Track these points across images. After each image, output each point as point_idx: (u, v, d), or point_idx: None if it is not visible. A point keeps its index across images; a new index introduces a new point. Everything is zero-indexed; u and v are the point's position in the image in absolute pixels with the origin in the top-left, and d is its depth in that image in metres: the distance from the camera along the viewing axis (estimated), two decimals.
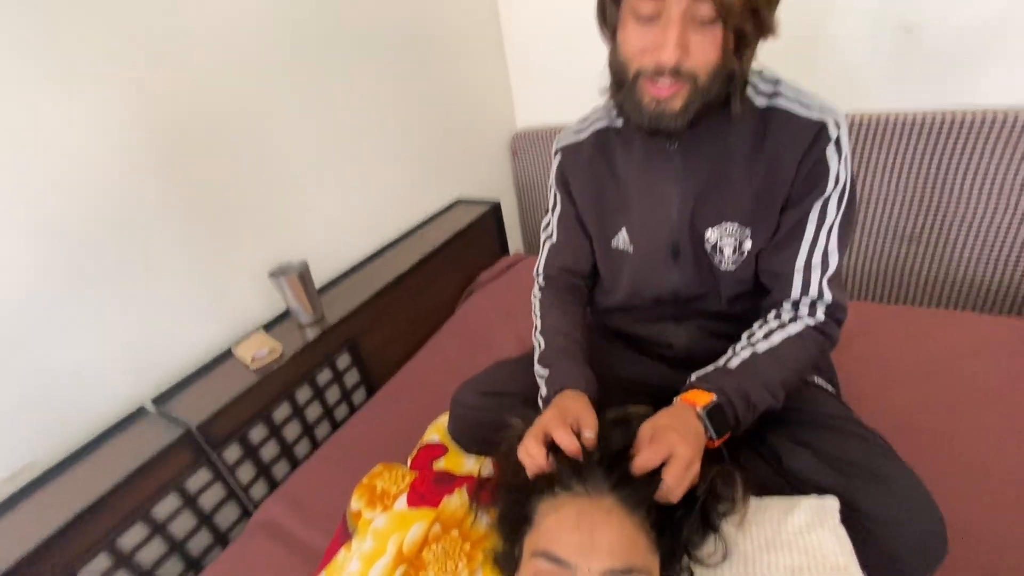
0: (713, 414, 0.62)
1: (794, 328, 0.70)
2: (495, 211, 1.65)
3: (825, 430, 0.70)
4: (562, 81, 1.60)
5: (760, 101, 0.69)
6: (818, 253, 0.70)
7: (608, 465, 0.54)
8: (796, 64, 1.33)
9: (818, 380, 0.81)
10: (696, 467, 0.56)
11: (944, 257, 1.36)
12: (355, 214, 1.36)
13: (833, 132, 0.66)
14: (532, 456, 0.58)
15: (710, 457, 0.60)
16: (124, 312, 0.93)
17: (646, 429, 0.59)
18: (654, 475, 0.54)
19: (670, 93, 0.61)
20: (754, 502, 0.62)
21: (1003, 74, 1.17)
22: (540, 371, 0.77)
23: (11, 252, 0.79)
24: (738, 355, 0.69)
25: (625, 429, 0.60)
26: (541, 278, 0.91)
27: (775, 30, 0.61)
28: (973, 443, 0.83)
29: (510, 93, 1.87)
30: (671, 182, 0.73)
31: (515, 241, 2.00)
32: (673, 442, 0.56)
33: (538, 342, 0.82)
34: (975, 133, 1.19)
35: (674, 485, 0.54)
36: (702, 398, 0.63)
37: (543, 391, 0.75)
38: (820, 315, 0.71)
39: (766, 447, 0.72)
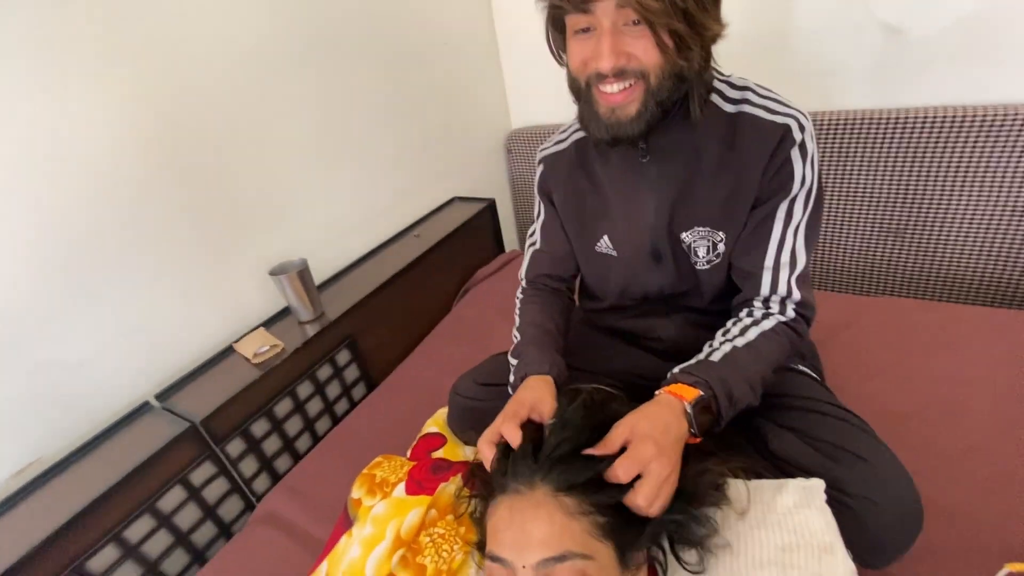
0: (698, 409, 0.62)
1: (767, 324, 0.72)
2: (491, 209, 1.67)
3: (810, 414, 0.73)
4: (556, 81, 1.63)
5: (729, 108, 0.71)
6: (786, 252, 0.72)
7: (534, 457, 0.54)
8: (775, 60, 1.37)
9: (802, 367, 0.83)
10: (672, 481, 0.55)
11: (927, 251, 1.39)
12: (353, 212, 1.38)
13: (797, 135, 0.68)
14: (485, 458, 0.60)
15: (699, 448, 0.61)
16: (129, 309, 0.95)
17: (621, 430, 0.57)
18: (600, 461, 0.54)
19: (623, 99, 0.64)
20: (742, 485, 0.64)
21: (983, 72, 1.20)
22: (512, 362, 0.80)
23: (19, 251, 0.82)
24: (718, 350, 0.70)
25: (577, 418, 0.59)
26: (524, 281, 0.94)
27: (718, 31, 0.62)
28: (951, 427, 0.85)
29: (505, 93, 1.90)
30: (647, 190, 0.76)
31: (511, 238, 2.02)
32: (648, 456, 0.54)
33: (515, 337, 0.85)
34: (956, 130, 1.22)
35: (646, 506, 0.53)
36: (689, 393, 0.62)
37: (510, 379, 0.78)
38: (790, 312, 0.73)
39: (752, 430, 0.74)
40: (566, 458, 0.54)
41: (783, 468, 0.69)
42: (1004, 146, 1.19)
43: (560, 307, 0.89)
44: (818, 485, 0.62)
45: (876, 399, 0.92)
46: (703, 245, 0.76)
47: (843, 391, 0.90)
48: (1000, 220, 1.27)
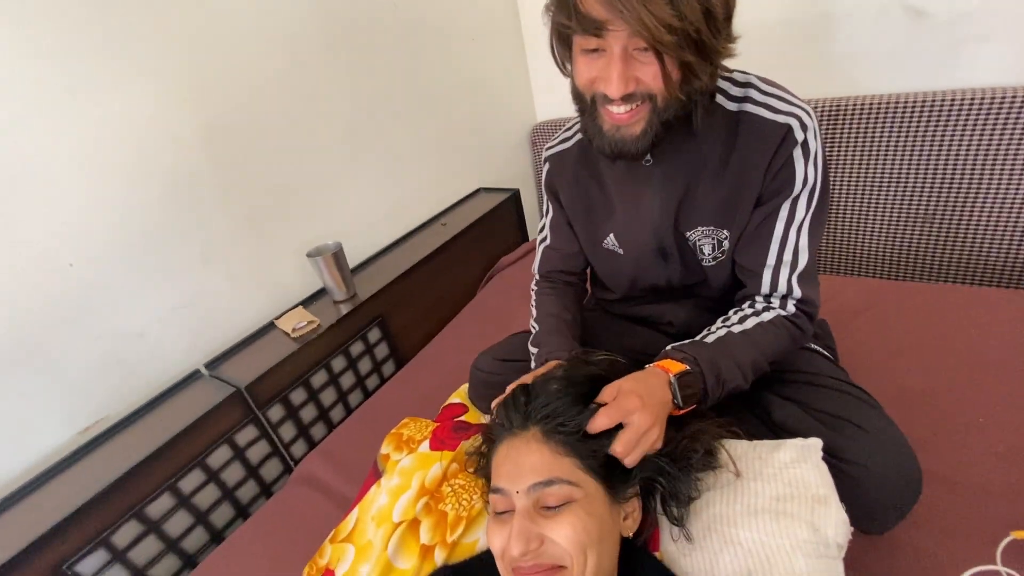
0: (683, 383, 0.63)
1: (767, 316, 0.73)
2: (515, 199, 1.73)
3: (813, 387, 0.75)
4: None
5: (731, 106, 0.70)
6: (788, 251, 0.72)
7: (525, 401, 0.60)
8: (801, 45, 1.37)
9: (814, 346, 0.85)
10: (654, 435, 0.59)
11: (956, 235, 1.37)
12: (385, 201, 1.46)
13: (799, 135, 0.67)
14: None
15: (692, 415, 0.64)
16: (182, 288, 1.05)
17: (610, 389, 0.61)
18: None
19: (629, 119, 0.64)
20: (744, 444, 0.68)
21: (1011, 53, 1.18)
22: (532, 350, 0.84)
23: (93, 234, 0.92)
24: (714, 333, 0.71)
25: (573, 372, 0.64)
26: (537, 275, 0.98)
27: (730, 51, 0.62)
28: (966, 403, 0.86)
29: (530, 88, 1.95)
30: (651, 192, 0.77)
31: (534, 227, 2.07)
32: (631, 408, 0.58)
33: (533, 328, 0.89)
34: (984, 112, 1.20)
35: (624, 452, 0.57)
36: (675, 367, 0.64)
37: (532, 365, 0.82)
38: (791, 308, 0.73)
39: (757, 403, 0.77)
40: (555, 404, 0.59)
41: (784, 438, 0.70)
42: None
43: (573, 298, 0.94)
44: (815, 443, 0.64)
45: (893, 377, 0.93)
46: (708, 243, 0.78)
47: (862, 369, 0.92)
48: None
